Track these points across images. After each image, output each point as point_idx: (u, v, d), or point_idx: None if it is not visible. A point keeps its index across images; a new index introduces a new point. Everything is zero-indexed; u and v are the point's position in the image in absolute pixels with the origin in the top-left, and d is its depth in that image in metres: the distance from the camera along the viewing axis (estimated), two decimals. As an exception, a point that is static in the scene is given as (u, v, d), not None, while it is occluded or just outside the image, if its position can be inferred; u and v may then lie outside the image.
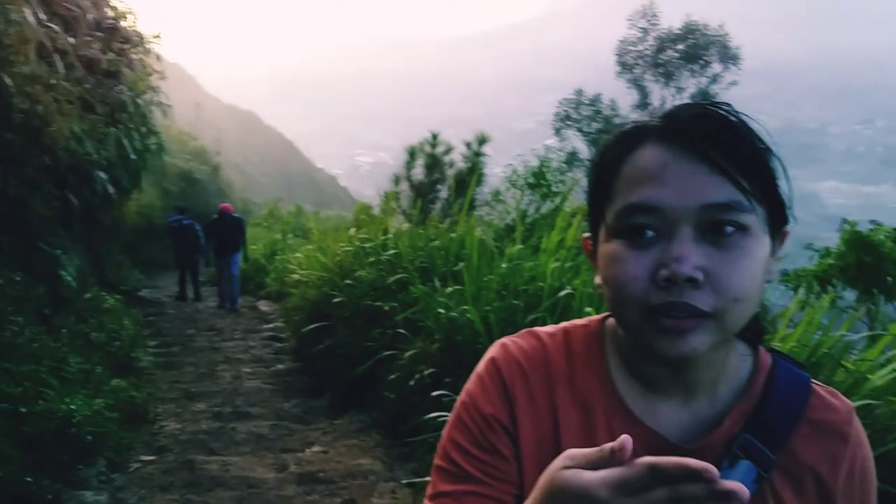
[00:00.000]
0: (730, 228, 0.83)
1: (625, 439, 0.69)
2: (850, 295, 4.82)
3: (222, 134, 47.62)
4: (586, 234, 0.99)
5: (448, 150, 11.87)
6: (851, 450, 0.94)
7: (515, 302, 4.58)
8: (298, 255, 11.27)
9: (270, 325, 10.86)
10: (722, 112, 0.86)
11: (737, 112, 0.87)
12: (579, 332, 1.03)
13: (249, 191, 40.65)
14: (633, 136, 0.90)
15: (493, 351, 1.03)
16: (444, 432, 1.01)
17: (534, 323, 4.30)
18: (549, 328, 1.04)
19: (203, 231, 12.81)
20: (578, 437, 0.93)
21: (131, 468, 4.90)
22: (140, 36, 12.44)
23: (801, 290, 4.52)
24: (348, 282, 6.85)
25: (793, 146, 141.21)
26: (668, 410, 0.94)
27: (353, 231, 8.51)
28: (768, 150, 0.87)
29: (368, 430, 5.50)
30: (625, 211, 0.86)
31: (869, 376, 2.90)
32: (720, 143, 0.83)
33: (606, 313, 1.04)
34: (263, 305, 12.99)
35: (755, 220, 0.84)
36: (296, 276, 9.56)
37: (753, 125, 0.87)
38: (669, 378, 0.93)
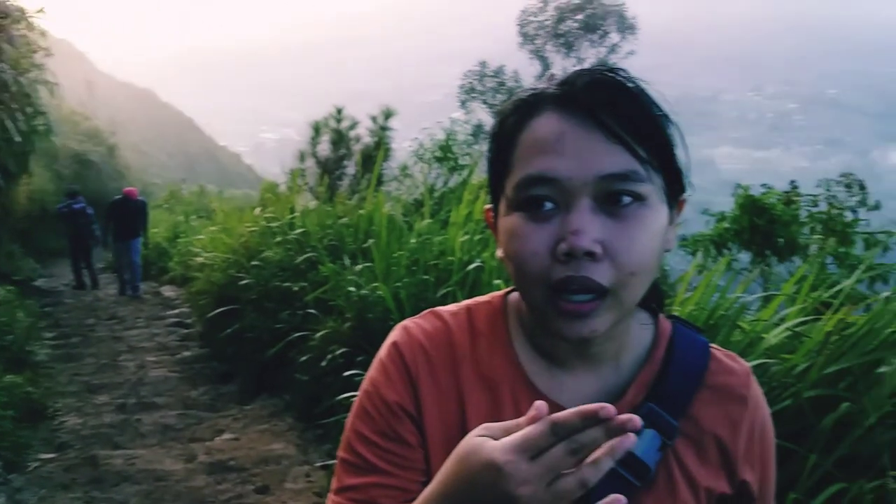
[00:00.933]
0: (627, 199, 0.81)
1: (540, 405, 0.69)
2: (745, 257, 5.04)
3: (117, 113, 45.53)
4: (488, 206, 0.96)
5: (353, 125, 11.73)
6: (750, 412, 0.96)
7: (426, 277, 4.56)
8: (202, 237, 10.95)
9: (175, 311, 10.53)
10: (619, 79, 0.84)
11: (633, 78, 0.85)
12: (483, 309, 1.01)
13: (148, 171, 39.14)
14: (530, 105, 0.87)
15: (394, 335, 0.99)
16: (348, 423, 0.98)
17: (445, 297, 4.31)
18: (452, 307, 1.02)
19: (105, 215, 12.26)
20: (485, 416, 0.91)
21: (30, 467, 4.66)
22: (21, 10, 11.67)
23: (700, 255, 4.69)
24: (255, 263, 6.68)
25: (689, 114, 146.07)
26: (573, 384, 0.94)
27: (258, 210, 8.31)
28: (665, 117, 0.86)
29: (281, 414, 5.41)
30: (523, 182, 0.84)
31: (764, 336, 3.01)
32: (617, 110, 0.82)
33: (510, 288, 1.02)
34: (167, 291, 12.59)
35: (652, 189, 0.84)
36: (200, 260, 9.28)
37: (650, 92, 0.86)
38: (573, 352, 0.93)
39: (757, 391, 0.99)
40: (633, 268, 0.82)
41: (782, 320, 3.15)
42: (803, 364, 2.76)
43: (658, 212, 0.85)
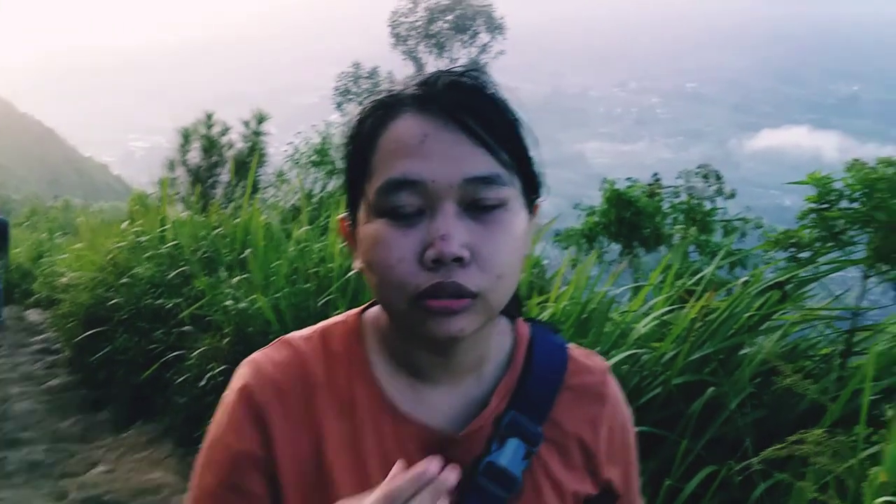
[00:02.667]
0: (491, 202, 0.81)
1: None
2: (617, 248, 5.25)
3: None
4: (342, 216, 0.93)
5: (225, 131, 11.36)
6: (609, 409, 0.98)
7: (306, 286, 4.48)
8: (66, 255, 10.32)
9: (41, 337, 9.86)
10: (479, 82, 0.84)
11: (491, 82, 0.85)
12: (338, 330, 0.98)
13: (6, 186, 36.56)
14: (389, 106, 0.85)
15: (242, 372, 0.94)
16: (196, 470, 0.93)
17: (326, 306, 4.25)
18: (305, 332, 0.98)
19: None
20: (344, 444, 0.89)
21: None
22: None
23: (573, 249, 4.84)
24: (125, 281, 6.35)
25: (559, 111, 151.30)
26: (436, 399, 0.92)
27: (126, 224, 7.90)
28: (520, 121, 0.87)
29: (159, 441, 5.16)
30: (386, 187, 0.81)
31: (634, 326, 3.14)
32: (478, 113, 0.81)
33: (363, 306, 1.00)
34: (32, 315, 11.78)
35: (514, 193, 0.84)
36: (65, 280, 8.73)
37: (505, 94, 0.86)
38: (436, 364, 0.91)
39: (614, 388, 1.01)
40: (500, 271, 0.81)
41: (651, 310, 3.29)
42: (671, 352, 2.89)
43: (519, 215, 0.85)
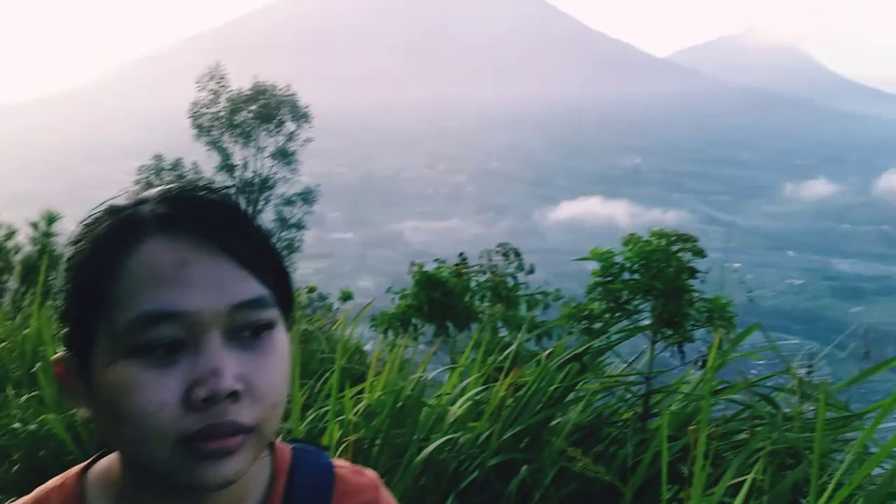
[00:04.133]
0: (259, 327, 0.74)
1: None
2: (431, 329, 5.30)
3: None
4: (59, 357, 0.78)
5: (10, 234, 10.43)
6: None
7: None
8: None
9: None
10: (227, 199, 0.77)
11: (235, 197, 0.79)
12: (54, 496, 0.84)
13: None
14: (130, 226, 0.74)
15: None
16: None
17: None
18: (18, 501, 0.84)
19: None
20: None
21: None
22: None
23: (388, 334, 4.81)
24: None
25: (374, 192, 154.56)
26: None
27: None
28: (271, 235, 0.82)
29: None
30: (140, 321, 0.70)
31: (449, 408, 3.12)
32: (236, 233, 0.74)
33: (84, 464, 0.86)
34: None
35: (277, 312, 0.77)
36: None
37: (249, 212, 0.80)
38: None
39: (388, 500, 0.95)
40: (275, 399, 0.75)
41: (465, 390, 3.30)
42: (486, 432, 2.90)
43: (284, 336, 0.78)
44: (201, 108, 19.14)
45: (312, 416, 3.18)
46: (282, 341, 0.77)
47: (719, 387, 2.74)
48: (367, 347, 5.44)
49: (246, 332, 0.74)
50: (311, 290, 6.51)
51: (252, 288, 0.74)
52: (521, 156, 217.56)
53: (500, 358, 3.54)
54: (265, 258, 0.77)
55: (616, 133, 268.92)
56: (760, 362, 3.28)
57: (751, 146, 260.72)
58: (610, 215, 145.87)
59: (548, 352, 3.30)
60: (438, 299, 4.61)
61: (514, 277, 4.69)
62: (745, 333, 2.80)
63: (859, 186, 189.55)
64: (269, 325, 0.75)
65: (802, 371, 2.79)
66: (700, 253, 2.61)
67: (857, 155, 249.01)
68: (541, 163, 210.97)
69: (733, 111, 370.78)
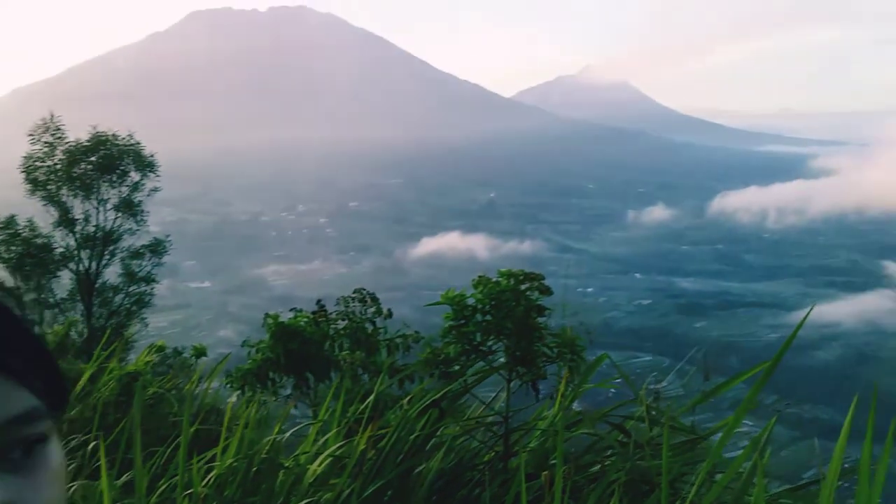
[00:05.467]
0: (32, 441, 0.65)
1: None
2: (290, 382, 5.12)
3: None
4: None
5: None
6: None
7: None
8: None
9: None
10: None
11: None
12: None
13: None
14: None
15: None
16: None
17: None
18: None
19: None
20: None
21: None
22: None
23: (244, 391, 4.60)
24: None
25: (233, 238, 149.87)
26: None
27: None
28: (40, 334, 0.72)
29: None
30: None
31: (309, 466, 2.99)
32: (2, 343, 0.65)
33: None
34: None
35: (50, 424, 0.68)
36: None
37: (17, 313, 0.70)
38: None
39: None
40: None
41: (326, 445, 3.18)
42: (347, 489, 2.80)
43: (57, 444, 0.70)
44: (35, 161, 17.85)
45: (164, 487, 2.95)
46: (55, 455, 0.69)
47: (575, 419, 2.81)
48: (232, 399, 5.19)
49: (15, 451, 0.65)
50: (160, 348, 6.15)
51: (22, 400, 0.66)
52: (380, 195, 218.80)
53: (362, 407, 3.45)
54: (35, 363, 0.69)
55: (470, 170, 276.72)
56: (615, 389, 3.39)
57: (595, 177, 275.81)
58: (469, 249, 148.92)
59: (409, 397, 3.26)
60: (296, 350, 4.47)
61: (373, 322, 4.63)
62: (595, 364, 2.88)
63: (694, 210, 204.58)
64: (41, 439, 0.67)
65: (651, 398, 2.90)
66: (547, 291, 2.66)
67: (689, 181, 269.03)
68: (399, 201, 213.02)
69: (576, 145, 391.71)
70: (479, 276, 2.71)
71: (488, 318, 2.68)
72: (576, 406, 3.07)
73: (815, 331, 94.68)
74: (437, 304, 2.73)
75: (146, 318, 19.77)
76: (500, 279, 2.70)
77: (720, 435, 2.40)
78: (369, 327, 4.61)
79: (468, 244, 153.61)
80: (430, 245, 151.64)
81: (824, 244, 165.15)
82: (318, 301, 5.17)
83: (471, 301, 2.72)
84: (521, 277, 2.70)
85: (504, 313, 2.60)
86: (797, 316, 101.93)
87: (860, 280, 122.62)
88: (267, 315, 4.69)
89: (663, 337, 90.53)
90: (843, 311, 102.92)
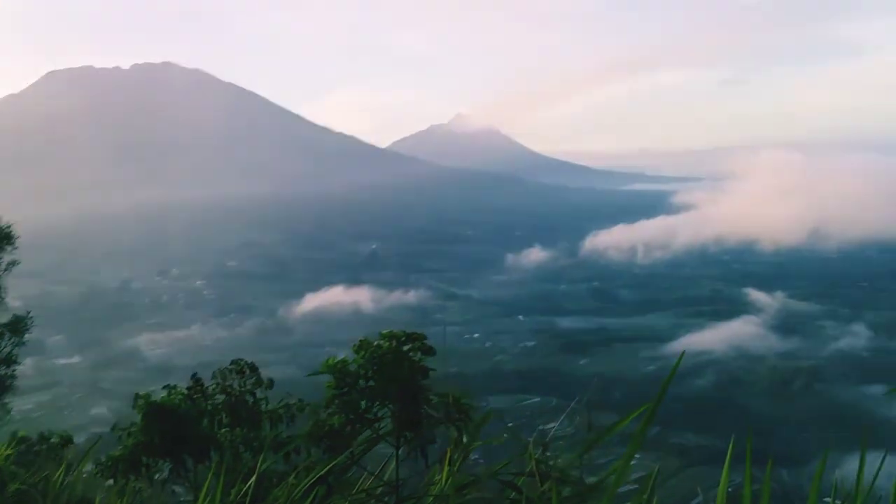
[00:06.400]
0: None
1: None
2: (167, 466, 4.78)
3: None
4: None
5: None
6: None
7: None
8: None
9: None
10: None
11: None
12: None
13: None
14: None
15: None
16: None
17: None
18: None
19: None
20: None
21: None
22: None
23: (117, 479, 4.25)
24: None
25: (102, 308, 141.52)
26: None
27: None
28: None
29: None
30: None
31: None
32: None
33: None
34: None
35: None
36: None
37: None
38: None
39: None
40: None
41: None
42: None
43: None
44: None
45: None
46: None
47: (466, 482, 2.75)
48: (106, 487, 4.78)
49: None
50: (22, 439, 5.65)
51: None
52: (259, 253, 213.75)
53: (245, 488, 3.26)
54: None
55: (350, 222, 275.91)
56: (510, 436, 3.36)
57: (473, 223, 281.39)
58: (355, 302, 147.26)
59: (295, 472, 3.10)
60: (171, 431, 4.18)
61: (253, 394, 4.41)
62: (481, 422, 2.84)
63: (568, 250, 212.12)
64: None
65: (539, 450, 2.88)
66: (430, 351, 2.62)
67: (561, 222, 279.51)
68: (279, 258, 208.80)
69: (453, 192, 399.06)
70: (361, 340, 2.63)
71: (371, 383, 2.60)
72: (473, 456, 3.02)
73: (690, 359, 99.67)
74: (318, 373, 2.62)
75: (8, 402, 18.16)
76: (381, 342, 2.63)
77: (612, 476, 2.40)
78: (250, 399, 4.38)
79: (353, 297, 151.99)
80: (314, 301, 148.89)
81: (690, 275, 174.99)
82: (194, 374, 4.89)
83: (353, 367, 2.63)
84: (403, 338, 2.64)
85: (388, 377, 2.52)
86: (673, 346, 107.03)
87: (725, 308, 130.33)
88: (137, 395, 4.37)
89: (550, 377, 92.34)
90: (713, 338, 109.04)
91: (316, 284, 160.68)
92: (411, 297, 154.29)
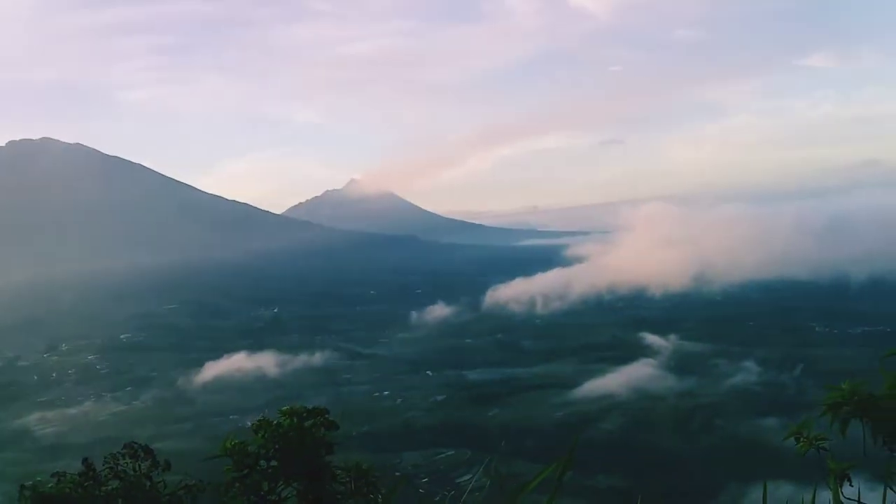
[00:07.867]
0: None
1: None
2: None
3: None
4: None
5: None
6: None
7: None
8: None
9: None
10: None
11: None
12: None
13: None
14: None
15: None
16: None
17: None
18: None
19: None
20: None
21: None
22: None
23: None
24: None
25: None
26: None
27: None
28: None
29: None
30: None
31: None
32: None
33: None
34: None
35: None
36: None
37: None
38: None
39: None
40: None
41: None
42: None
43: None
44: None
45: None
46: None
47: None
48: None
49: None
50: None
51: None
52: (155, 324, 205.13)
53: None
54: None
55: (249, 288, 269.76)
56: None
57: (374, 283, 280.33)
58: (258, 367, 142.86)
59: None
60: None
61: (149, 478, 4.20)
62: (392, 493, 2.82)
63: (470, 305, 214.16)
64: None
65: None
66: (332, 425, 2.59)
67: (461, 278, 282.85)
68: (176, 327, 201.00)
69: (351, 254, 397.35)
70: (259, 420, 2.58)
71: (273, 463, 2.55)
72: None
73: (595, 403, 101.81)
74: (216, 457, 2.55)
75: None
76: (282, 419, 2.59)
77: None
78: (147, 483, 4.17)
79: (256, 363, 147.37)
80: (215, 369, 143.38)
81: (589, 323, 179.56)
82: (85, 459, 4.62)
83: (253, 448, 2.58)
84: (305, 414, 2.61)
85: (290, 456, 2.48)
86: (579, 391, 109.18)
87: (624, 353, 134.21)
88: (23, 487, 4.10)
89: (462, 429, 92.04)
90: (615, 382, 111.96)
91: (217, 352, 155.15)
92: (317, 359, 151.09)
